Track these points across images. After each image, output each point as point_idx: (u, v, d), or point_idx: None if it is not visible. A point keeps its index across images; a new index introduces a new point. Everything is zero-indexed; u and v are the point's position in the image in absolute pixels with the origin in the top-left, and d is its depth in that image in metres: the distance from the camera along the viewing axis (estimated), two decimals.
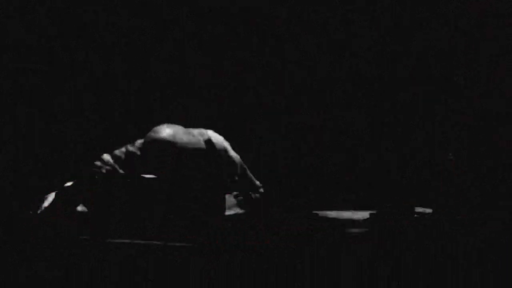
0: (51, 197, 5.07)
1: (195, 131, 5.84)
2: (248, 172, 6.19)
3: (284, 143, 7.27)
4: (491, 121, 7.28)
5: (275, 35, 7.32)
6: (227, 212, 5.76)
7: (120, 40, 7.05)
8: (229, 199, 5.92)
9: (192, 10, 7.19)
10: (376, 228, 5.51)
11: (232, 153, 6.09)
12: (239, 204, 6.06)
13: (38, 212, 5.00)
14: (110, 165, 5.02)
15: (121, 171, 5.07)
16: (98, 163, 4.96)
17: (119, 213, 4.94)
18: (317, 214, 6.00)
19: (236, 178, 6.03)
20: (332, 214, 6.13)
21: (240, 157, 6.21)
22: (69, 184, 5.01)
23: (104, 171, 4.88)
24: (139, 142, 5.59)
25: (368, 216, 5.78)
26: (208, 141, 5.83)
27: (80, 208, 4.94)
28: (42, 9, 6.89)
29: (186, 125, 6.10)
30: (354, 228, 5.62)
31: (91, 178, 4.87)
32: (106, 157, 5.24)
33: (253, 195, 6.12)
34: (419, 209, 6.06)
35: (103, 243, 4.66)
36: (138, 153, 5.43)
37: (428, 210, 6.12)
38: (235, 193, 6.08)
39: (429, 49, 7.42)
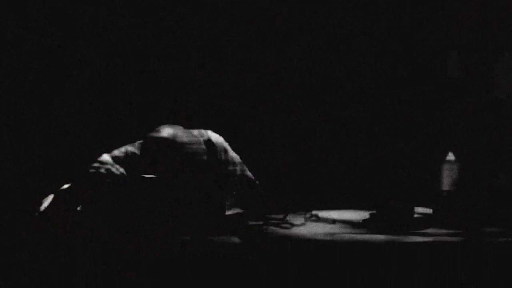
0: (49, 198, 5.07)
1: (195, 131, 5.83)
2: (248, 172, 6.18)
3: (284, 143, 7.27)
4: (492, 120, 7.28)
5: (275, 34, 7.32)
6: (227, 212, 5.75)
7: (120, 39, 7.05)
8: (229, 199, 5.92)
9: (193, 9, 7.19)
10: (376, 228, 5.50)
11: (232, 153, 6.09)
12: (239, 204, 6.06)
13: (37, 213, 5.00)
14: (109, 165, 5.01)
15: (121, 169, 5.06)
16: (96, 163, 4.96)
17: (119, 213, 4.94)
18: (317, 214, 6.00)
19: (236, 178, 6.03)
20: (332, 214, 6.12)
21: (240, 157, 6.21)
22: (67, 185, 5.01)
23: (103, 171, 4.87)
24: (139, 142, 5.58)
25: (368, 216, 5.77)
26: (208, 141, 5.82)
27: (79, 209, 4.94)
28: (42, 8, 6.88)
29: (186, 125, 6.09)
30: (354, 228, 5.61)
31: (90, 179, 4.86)
32: (105, 157, 5.24)
33: (253, 195, 6.12)
34: (419, 209, 6.05)
35: (102, 243, 4.66)
36: (138, 153, 5.43)
37: (428, 210, 6.12)
38: (235, 193, 6.08)
39: (430, 48, 7.41)
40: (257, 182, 6.25)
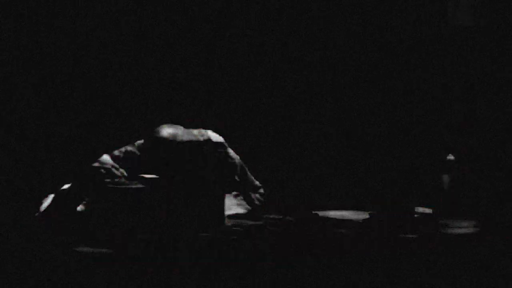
0: (50, 198, 5.08)
1: (195, 131, 5.84)
2: (248, 172, 6.19)
3: (285, 143, 7.27)
4: (492, 120, 7.29)
5: (275, 34, 7.32)
6: (227, 212, 5.76)
7: (120, 40, 7.05)
8: (229, 199, 5.93)
9: (192, 9, 7.19)
10: (375, 228, 5.51)
11: (232, 153, 6.09)
12: (239, 204, 6.06)
13: (38, 213, 5.01)
14: (109, 165, 5.02)
15: (121, 169, 5.07)
16: (96, 163, 4.97)
17: (119, 213, 4.95)
18: (317, 214, 6.01)
19: (236, 178, 6.04)
20: (332, 214, 6.13)
21: (240, 157, 6.22)
22: (67, 185, 5.02)
23: (103, 171, 4.88)
24: (139, 142, 5.59)
25: (368, 216, 5.78)
26: (208, 141, 5.83)
27: (79, 208, 4.94)
28: (42, 8, 6.89)
29: (186, 125, 6.10)
30: (354, 228, 5.62)
31: (90, 179, 4.87)
32: (105, 157, 5.24)
33: (253, 195, 6.12)
34: (419, 209, 6.06)
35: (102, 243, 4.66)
36: (138, 153, 5.44)
37: (428, 210, 6.13)
38: (235, 193, 6.08)
39: (431, 47, 7.42)
40: (257, 181, 6.26)
